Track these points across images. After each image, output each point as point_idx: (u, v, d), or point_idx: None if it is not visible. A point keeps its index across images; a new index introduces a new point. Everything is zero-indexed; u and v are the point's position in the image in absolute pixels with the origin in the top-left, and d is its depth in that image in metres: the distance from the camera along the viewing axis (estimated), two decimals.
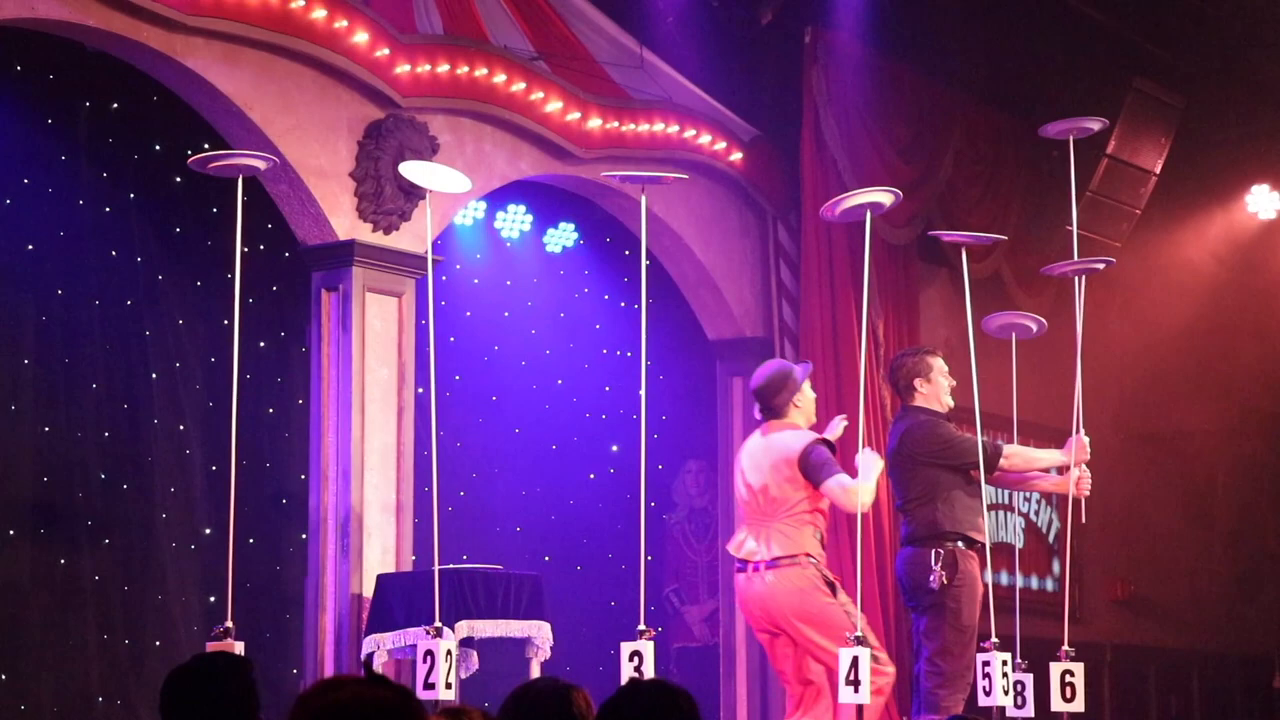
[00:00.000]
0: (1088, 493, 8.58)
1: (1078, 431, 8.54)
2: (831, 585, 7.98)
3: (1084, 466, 8.57)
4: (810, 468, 7.90)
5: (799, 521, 7.97)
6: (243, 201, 7.37)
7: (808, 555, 7.94)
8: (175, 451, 9.93)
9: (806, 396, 8.18)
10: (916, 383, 8.44)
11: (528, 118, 10.19)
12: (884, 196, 8.04)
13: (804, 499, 7.94)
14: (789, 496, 7.96)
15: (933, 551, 8.18)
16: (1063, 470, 8.65)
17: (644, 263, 8.07)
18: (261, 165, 7.71)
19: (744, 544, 8.05)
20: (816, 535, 8.01)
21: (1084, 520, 8.68)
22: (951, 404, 8.50)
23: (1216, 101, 12.85)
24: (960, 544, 8.19)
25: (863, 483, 7.87)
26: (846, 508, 7.98)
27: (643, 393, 7.88)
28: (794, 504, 7.96)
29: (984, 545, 8.30)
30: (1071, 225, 9.01)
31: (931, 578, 8.13)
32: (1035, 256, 10.99)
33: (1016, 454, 8.58)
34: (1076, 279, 8.76)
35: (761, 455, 8.08)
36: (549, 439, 12.20)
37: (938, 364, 8.50)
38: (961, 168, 12.26)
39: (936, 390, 8.45)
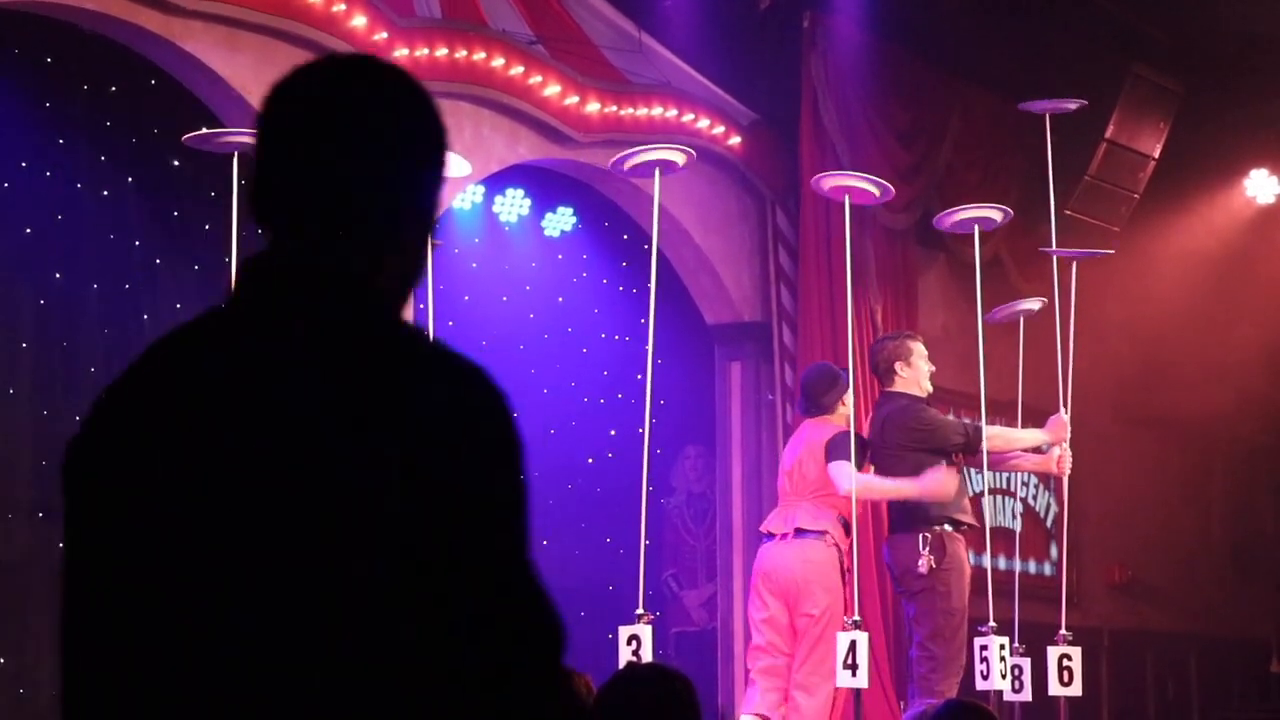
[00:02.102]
0: (1069, 471, 8.61)
1: (1062, 410, 8.58)
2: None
3: (1065, 445, 8.59)
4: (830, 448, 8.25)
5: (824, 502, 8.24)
6: (241, 186, 7.38)
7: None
8: None
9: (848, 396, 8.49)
10: (897, 366, 8.46)
11: (526, 102, 10.18)
12: (874, 188, 8.16)
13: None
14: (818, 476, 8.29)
15: (919, 536, 8.20)
16: (1047, 449, 8.68)
17: (655, 246, 8.10)
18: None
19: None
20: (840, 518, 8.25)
21: (1064, 495, 8.73)
22: (930, 389, 8.52)
23: (1215, 86, 12.84)
24: (947, 527, 8.21)
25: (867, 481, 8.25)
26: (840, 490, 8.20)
27: (649, 376, 7.89)
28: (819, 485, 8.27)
29: (969, 528, 8.33)
30: (1069, 209, 9.04)
31: (920, 562, 8.16)
32: (1034, 240, 10.99)
33: (996, 435, 8.61)
34: (1060, 260, 8.81)
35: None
36: (547, 423, 12.19)
37: (918, 348, 8.53)
38: (960, 152, 12.25)
39: (916, 375, 8.47)
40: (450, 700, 2.02)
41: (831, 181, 8.31)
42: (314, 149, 2.07)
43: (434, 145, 2.14)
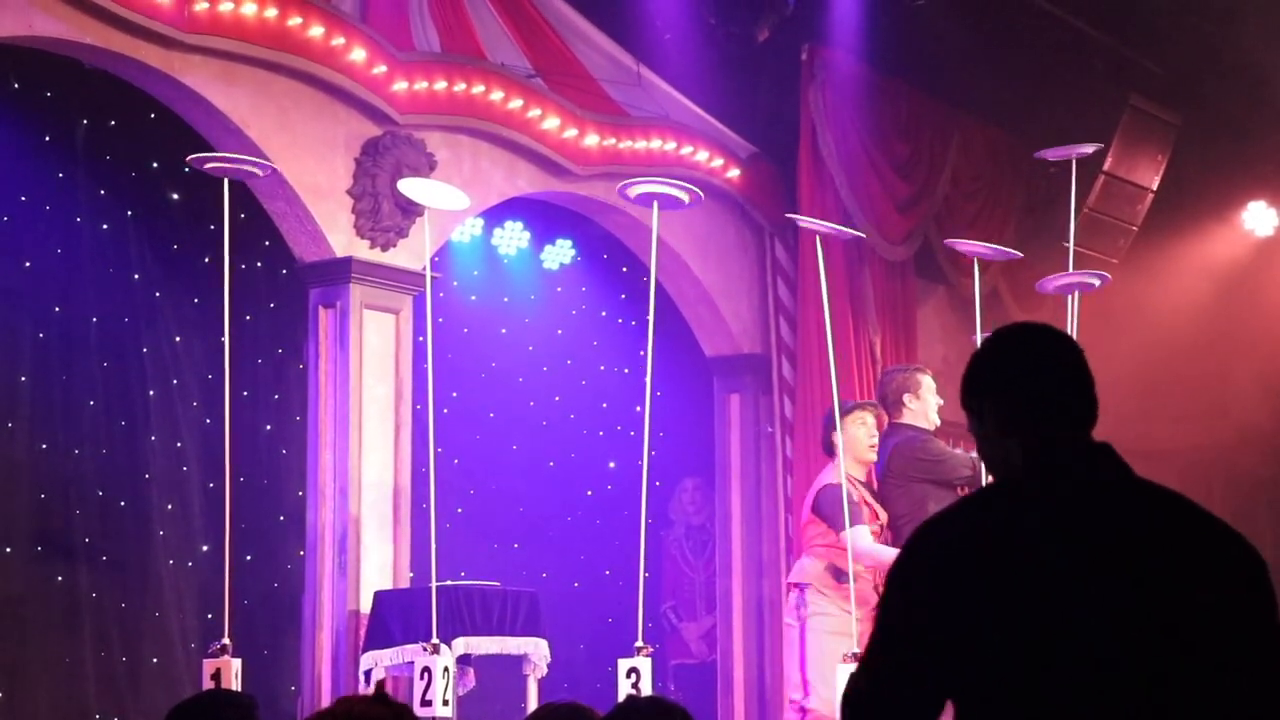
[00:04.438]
0: None
1: None
2: None
3: None
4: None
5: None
6: (241, 218, 7.41)
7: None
8: (173, 469, 9.92)
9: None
10: (905, 398, 8.48)
11: (525, 134, 10.20)
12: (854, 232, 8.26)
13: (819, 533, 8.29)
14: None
15: None
16: None
17: (654, 277, 8.10)
18: (259, 173, 7.90)
19: None
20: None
21: None
22: (938, 422, 8.53)
23: (1213, 118, 12.86)
24: None
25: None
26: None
27: (647, 409, 7.89)
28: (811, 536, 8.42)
29: None
30: (1068, 242, 9.04)
31: None
32: (1033, 273, 10.99)
33: None
34: (1069, 295, 8.81)
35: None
36: (546, 456, 12.19)
37: (926, 381, 8.54)
38: (959, 184, 12.27)
39: (925, 407, 8.48)
40: None
41: (805, 224, 8.48)
42: (1079, 380, 3.15)
43: None
